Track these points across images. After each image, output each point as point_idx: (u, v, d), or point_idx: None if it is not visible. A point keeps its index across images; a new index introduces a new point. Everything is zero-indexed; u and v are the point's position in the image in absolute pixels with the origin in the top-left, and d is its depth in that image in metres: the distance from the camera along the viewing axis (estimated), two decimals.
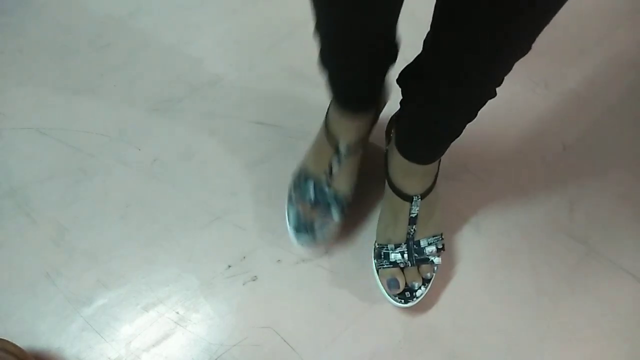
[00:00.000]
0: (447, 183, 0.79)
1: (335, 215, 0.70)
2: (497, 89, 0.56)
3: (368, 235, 0.75)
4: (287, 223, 0.73)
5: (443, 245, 0.69)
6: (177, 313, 0.70)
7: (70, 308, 0.70)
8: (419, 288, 0.67)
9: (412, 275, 0.68)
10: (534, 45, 0.49)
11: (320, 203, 0.70)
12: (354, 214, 0.77)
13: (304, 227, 0.70)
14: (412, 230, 0.68)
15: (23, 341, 0.65)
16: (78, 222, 0.77)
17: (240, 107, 0.89)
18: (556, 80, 0.91)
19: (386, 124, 0.78)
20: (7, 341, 0.62)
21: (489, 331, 0.68)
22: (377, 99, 0.70)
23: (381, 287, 0.69)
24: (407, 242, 0.68)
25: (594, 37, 0.97)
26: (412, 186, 0.68)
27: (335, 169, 0.69)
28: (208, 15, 1.01)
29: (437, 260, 0.67)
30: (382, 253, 0.69)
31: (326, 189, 0.70)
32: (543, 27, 0.48)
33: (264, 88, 0.90)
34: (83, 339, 0.68)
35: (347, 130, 0.68)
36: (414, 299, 0.67)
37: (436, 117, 0.61)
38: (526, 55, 0.50)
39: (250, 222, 0.77)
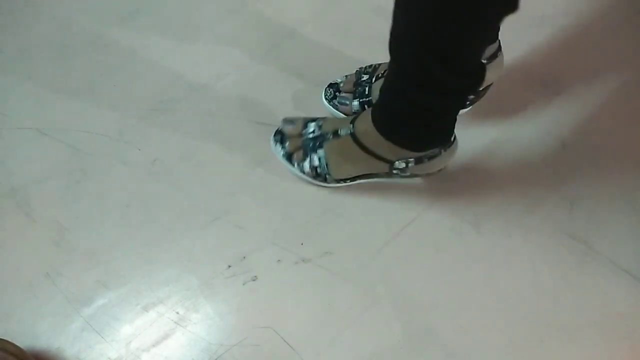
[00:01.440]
0: (447, 183, 0.79)
1: (355, 104, 0.79)
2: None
3: (368, 235, 0.75)
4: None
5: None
6: (177, 313, 0.70)
7: (70, 308, 0.70)
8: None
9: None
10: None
11: (357, 88, 0.79)
12: (353, 214, 0.77)
13: (335, 87, 0.82)
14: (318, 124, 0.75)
15: (23, 341, 0.65)
16: (78, 222, 0.77)
17: (240, 107, 0.89)
18: (556, 81, 0.91)
19: None
20: (7, 341, 0.62)
21: (489, 331, 0.68)
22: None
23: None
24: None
25: (594, 37, 0.97)
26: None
27: (384, 74, 0.74)
28: (208, 15, 1.01)
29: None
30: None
31: (368, 84, 0.78)
32: None
33: (264, 88, 0.90)
34: (83, 339, 0.68)
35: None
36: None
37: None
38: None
39: (250, 222, 0.77)
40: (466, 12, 0.48)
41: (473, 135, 0.85)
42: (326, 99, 0.83)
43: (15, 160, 0.83)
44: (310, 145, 0.74)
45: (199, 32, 0.99)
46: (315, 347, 0.67)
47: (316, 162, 0.74)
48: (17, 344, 0.63)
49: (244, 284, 0.72)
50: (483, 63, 0.57)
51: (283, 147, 0.77)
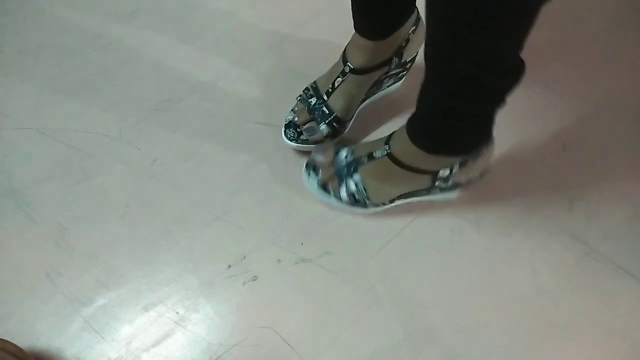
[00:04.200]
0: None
1: (322, 128, 0.77)
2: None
3: (368, 235, 0.75)
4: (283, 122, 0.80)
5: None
6: (177, 313, 0.70)
7: (70, 308, 0.70)
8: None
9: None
10: (534, 45, 0.49)
11: (315, 114, 0.78)
12: (353, 214, 0.77)
13: (293, 125, 0.79)
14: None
15: (23, 341, 0.65)
16: (78, 222, 0.77)
17: (240, 107, 0.89)
18: (556, 80, 0.91)
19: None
20: (7, 341, 0.62)
21: (489, 331, 0.68)
22: (396, 28, 0.72)
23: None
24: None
25: (594, 37, 0.97)
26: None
27: (334, 87, 0.76)
28: (208, 15, 1.01)
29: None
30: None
31: (322, 107, 0.77)
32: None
33: (264, 88, 0.90)
34: (83, 339, 0.68)
35: (357, 53, 0.74)
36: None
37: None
38: (526, 56, 0.49)
39: (250, 222, 0.77)
40: (508, 16, 0.47)
41: None
42: (292, 140, 0.79)
43: (15, 160, 0.83)
44: (345, 171, 0.72)
45: (199, 32, 0.99)
46: (315, 347, 0.67)
47: (353, 188, 0.72)
48: (17, 344, 0.63)
49: (244, 284, 0.72)
50: (521, 58, 0.56)
51: (316, 177, 0.74)
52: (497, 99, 0.58)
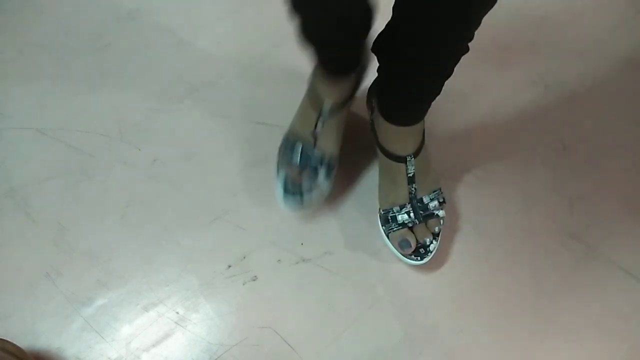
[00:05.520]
0: (447, 183, 0.79)
1: (322, 177, 0.71)
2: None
3: (368, 235, 0.75)
4: (275, 186, 0.73)
5: (444, 198, 0.72)
6: (177, 313, 0.70)
7: (70, 308, 0.70)
8: (431, 242, 0.70)
9: (421, 232, 0.70)
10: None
11: (308, 166, 0.71)
12: (353, 213, 0.77)
13: (291, 190, 0.71)
14: (412, 189, 0.70)
15: (23, 341, 0.65)
16: (78, 222, 0.77)
17: (240, 107, 0.89)
18: (556, 80, 0.91)
19: (365, 95, 0.80)
20: (7, 341, 0.62)
21: (489, 331, 0.68)
22: (358, 63, 0.71)
23: (394, 250, 0.71)
24: (410, 202, 0.70)
25: (594, 37, 0.97)
26: (403, 148, 0.70)
27: (319, 129, 0.71)
28: (208, 15, 1.01)
29: (441, 213, 0.70)
30: (389, 217, 0.71)
31: (313, 151, 0.71)
32: None
33: (264, 88, 0.90)
34: (83, 339, 0.68)
35: (330, 92, 0.70)
36: (429, 254, 0.70)
37: (414, 79, 0.63)
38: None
39: (250, 222, 0.77)
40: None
41: (473, 135, 0.85)
42: (299, 203, 0.71)
43: (15, 160, 0.83)
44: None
45: (199, 32, 0.99)
46: (315, 347, 0.67)
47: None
48: (17, 344, 0.63)
49: (244, 284, 0.72)
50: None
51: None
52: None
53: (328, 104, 0.69)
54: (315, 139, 0.71)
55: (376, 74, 0.72)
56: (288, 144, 0.73)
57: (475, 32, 0.56)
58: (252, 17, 1.01)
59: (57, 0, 1.03)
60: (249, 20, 1.00)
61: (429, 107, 0.69)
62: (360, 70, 0.73)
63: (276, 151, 0.83)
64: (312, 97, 0.72)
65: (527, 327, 0.69)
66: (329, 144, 0.72)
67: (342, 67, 0.67)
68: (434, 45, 0.58)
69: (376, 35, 0.66)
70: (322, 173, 0.71)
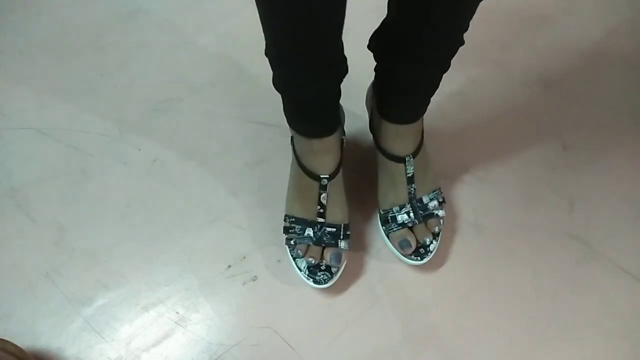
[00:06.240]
0: (447, 183, 0.79)
1: (344, 244, 0.68)
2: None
3: (368, 235, 0.75)
4: (300, 275, 0.69)
5: (443, 198, 0.72)
6: (177, 313, 0.70)
7: (70, 308, 0.70)
8: (431, 242, 0.70)
9: (421, 232, 0.70)
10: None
11: (326, 245, 0.68)
12: (353, 214, 0.77)
13: (320, 271, 0.69)
14: (412, 189, 0.70)
15: (23, 341, 0.65)
16: (78, 222, 0.77)
17: (240, 107, 0.89)
18: (556, 80, 0.91)
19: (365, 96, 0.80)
20: (7, 341, 0.62)
21: (489, 331, 0.68)
22: (339, 117, 0.71)
23: (395, 250, 0.71)
24: (410, 202, 0.70)
25: (594, 37, 0.97)
26: (402, 147, 0.70)
27: (325, 203, 0.68)
28: (208, 15, 1.01)
29: (441, 213, 0.70)
30: (389, 217, 0.71)
31: (325, 230, 0.68)
32: None
33: (264, 88, 0.90)
34: (83, 339, 0.68)
35: (324, 161, 0.68)
36: (429, 253, 0.70)
37: (411, 74, 0.63)
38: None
39: (250, 222, 0.77)
40: None
41: (473, 135, 0.85)
42: (330, 277, 0.68)
43: (15, 160, 0.83)
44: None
45: (199, 32, 0.99)
46: (315, 347, 0.67)
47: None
48: (17, 344, 0.63)
49: (244, 284, 0.72)
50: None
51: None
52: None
53: (326, 174, 0.68)
54: (324, 217, 0.69)
55: (374, 75, 0.72)
56: (296, 234, 0.69)
57: (475, 32, 0.57)
58: (252, 17, 1.01)
59: (57, 0, 1.03)
60: (249, 20, 1.00)
61: (428, 103, 0.69)
62: (341, 131, 0.72)
63: (276, 151, 0.83)
64: (304, 180, 0.69)
65: (527, 326, 0.69)
66: (338, 213, 0.69)
67: (326, 120, 0.66)
68: (431, 39, 0.58)
69: (372, 33, 0.66)
70: (342, 243, 0.68)
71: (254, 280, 0.72)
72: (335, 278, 0.69)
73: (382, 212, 0.72)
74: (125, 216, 0.77)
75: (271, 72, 0.62)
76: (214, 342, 0.68)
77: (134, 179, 0.81)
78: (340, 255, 0.68)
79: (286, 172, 0.78)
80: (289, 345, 0.67)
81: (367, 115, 0.79)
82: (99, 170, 0.82)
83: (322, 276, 0.68)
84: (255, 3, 0.50)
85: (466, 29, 0.58)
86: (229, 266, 0.73)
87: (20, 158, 0.83)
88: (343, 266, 0.70)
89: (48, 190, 0.80)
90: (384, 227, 0.72)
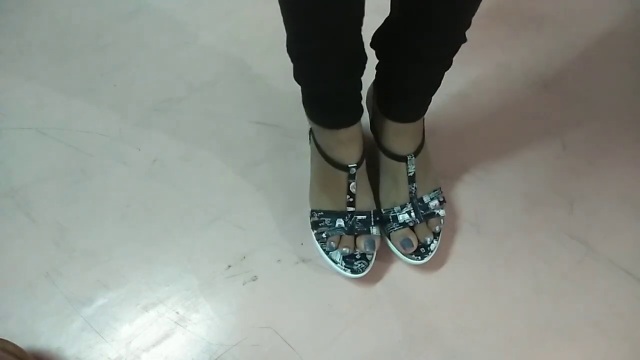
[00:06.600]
0: (447, 183, 0.79)
1: (375, 230, 0.69)
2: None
3: None
4: (336, 267, 0.69)
5: (444, 197, 0.72)
6: (177, 313, 0.70)
7: (70, 308, 0.70)
8: (432, 242, 0.70)
9: (422, 231, 0.70)
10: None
11: (358, 230, 0.69)
12: None
13: (356, 260, 0.69)
14: (413, 188, 0.70)
15: (23, 341, 0.65)
16: (78, 222, 0.77)
17: (240, 107, 0.89)
18: (556, 80, 0.91)
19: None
20: (7, 341, 0.62)
21: (489, 331, 0.68)
22: (361, 104, 0.71)
23: (395, 250, 0.71)
24: (411, 201, 0.70)
25: (594, 37, 0.97)
26: (404, 146, 0.70)
27: (354, 192, 0.69)
28: (208, 15, 1.01)
29: (442, 212, 0.71)
30: (390, 217, 0.71)
31: (356, 218, 0.68)
32: None
33: (264, 88, 0.90)
34: (83, 339, 0.68)
35: (351, 150, 0.68)
36: (429, 253, 0.70)
37: (414, 72, 0.64)
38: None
39: (250, 222, 0.77)
40: None
41: (473, 135, 0.85)
42: (366, 265, 0.69)
43: (15, 160, 0.83)
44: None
45: (199, 32, 0.99)
46: (315, 347, 0.67)
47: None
48: (17, 344, 0.62)
49: (244, 284, 0.72)
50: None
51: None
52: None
53: (354, 166, 0.68)
54: (354, 206, 0.69)
55: (375, 74, 0.72)
56: (327, 227, 0.69)
57: (475, 33, 0.57)
58: (252, 16, 1.01)
59: (57, 0, 1.03)
60: (249, 20, 1.00)
61: (430, 102, 0.69)
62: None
63: (276, 151, 0.83)
64: (330, 173, 0.69)
65: (527, 326, 0.69)
66: (367, 201, 0.70)
67: (351, 108, 0.67)
68: (434, 37, 0.58)
69: (375, 31, 0.67)
70: (374, 229, 0.69)
71: (254, 280, 0.72)
72: (371, 265, 0.69)
73: (383, 212, 0.72)
74: (125, 216, 0.77)
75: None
76: (214, 342, 0.68)
77: (134, 179, 0.81)
78: (374, 241, 0.68)
79: (286, 172, 0.78)
80: (289, 345, 0.67)
81: (368, 114, 0.79)
82: (99, 170, 0.82)
83: (359, 265, 0.68)
84: None
85: (468, 26, 0.58)
86: (229, 266, 0.73)
87: (20, 158, 0.83)
88: (375, 253, 0.70)
89: (48, 190, 0.80)
90: (385, 227, 0.72)
